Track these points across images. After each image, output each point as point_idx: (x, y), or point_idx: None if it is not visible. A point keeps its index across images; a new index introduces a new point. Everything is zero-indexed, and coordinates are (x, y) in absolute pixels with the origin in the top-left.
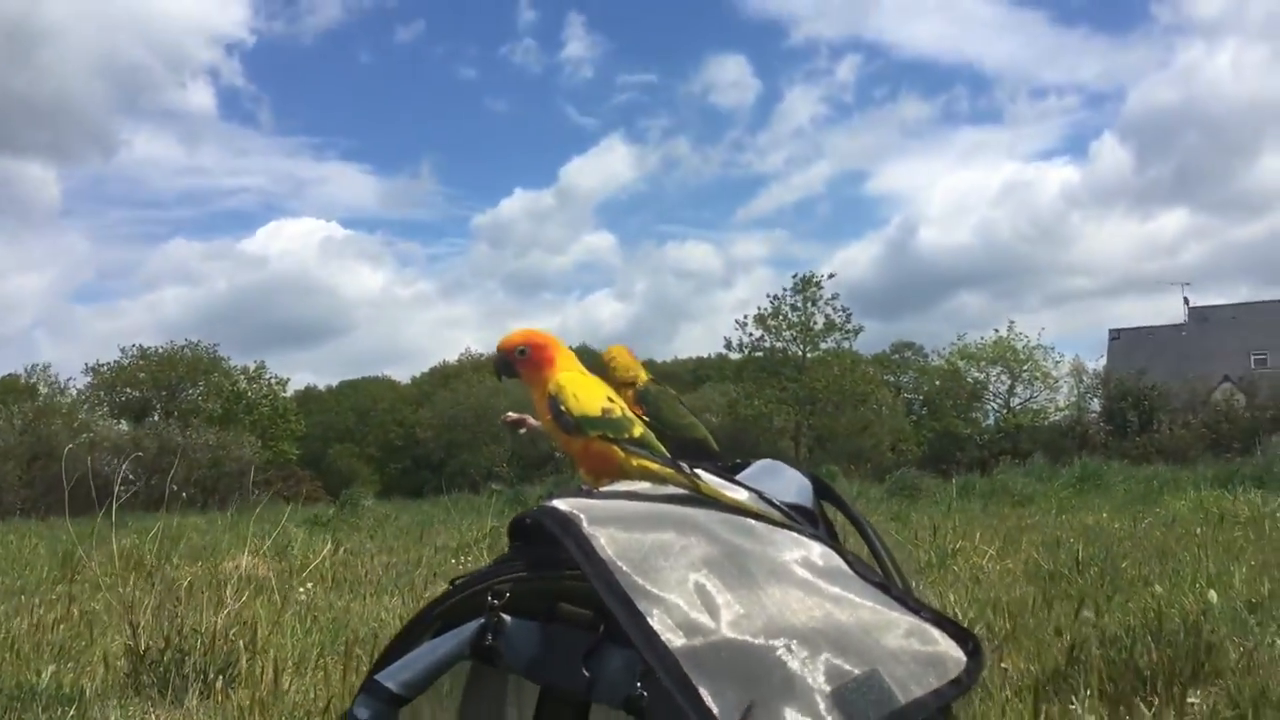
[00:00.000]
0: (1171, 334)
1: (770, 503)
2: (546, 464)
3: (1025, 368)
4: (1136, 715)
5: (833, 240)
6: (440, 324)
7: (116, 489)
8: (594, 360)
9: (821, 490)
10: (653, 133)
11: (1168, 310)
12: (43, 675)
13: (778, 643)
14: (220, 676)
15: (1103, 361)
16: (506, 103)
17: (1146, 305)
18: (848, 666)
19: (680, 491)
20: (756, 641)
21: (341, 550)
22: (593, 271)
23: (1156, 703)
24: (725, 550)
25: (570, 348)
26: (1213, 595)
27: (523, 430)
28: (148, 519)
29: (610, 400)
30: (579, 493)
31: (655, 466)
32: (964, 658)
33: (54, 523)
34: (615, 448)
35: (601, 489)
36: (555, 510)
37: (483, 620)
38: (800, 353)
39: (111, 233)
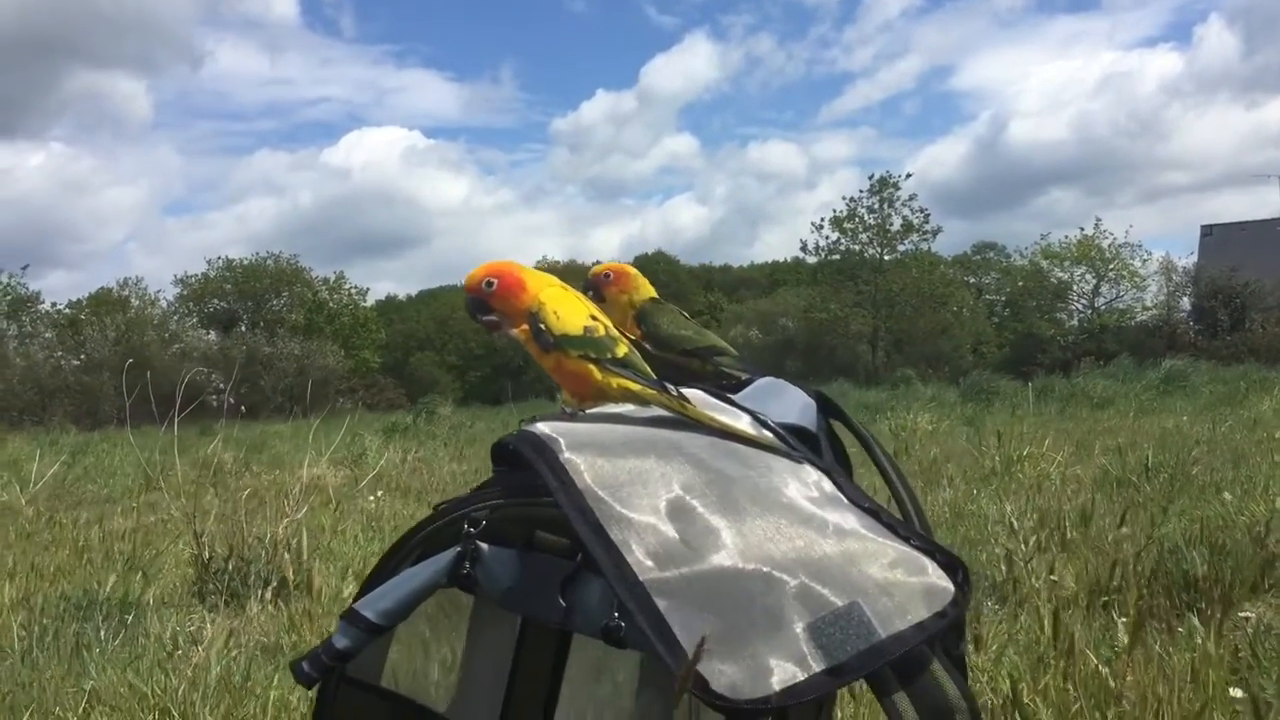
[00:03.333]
0: (1266, 229)
1: (765, 425)
2: None
3: (1112, 266)
4: (1186, 627)
5: (919, 138)
6: (521, 231)
7: (218, 397)
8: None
9: (828, 409)
10: (735, 30)
11: (1267, 205)
12: (104, 584)
13: (756, 574)
14: (280, 584)
15: (1194, 258)
16: (585, 2)
17: (1245, 200)
18: (828, 598)
19: (669, 414)
20: (734, 572)
21: (412, 458)
22: (674, 175)
23: (1205, 615)
24: (708, 477)
25: (647, 254)
26: None
27: (498, 334)
28: (240, 427)
29: (593, 319)
30: (563, 415)
31: (637, 387)
32: (952, 588)
33: (148, 432)
34: (593, 367)
35: (588, 411)
36: (533, 435)
37: (459, 548)
38: (877, 255)
39: (200, 145)
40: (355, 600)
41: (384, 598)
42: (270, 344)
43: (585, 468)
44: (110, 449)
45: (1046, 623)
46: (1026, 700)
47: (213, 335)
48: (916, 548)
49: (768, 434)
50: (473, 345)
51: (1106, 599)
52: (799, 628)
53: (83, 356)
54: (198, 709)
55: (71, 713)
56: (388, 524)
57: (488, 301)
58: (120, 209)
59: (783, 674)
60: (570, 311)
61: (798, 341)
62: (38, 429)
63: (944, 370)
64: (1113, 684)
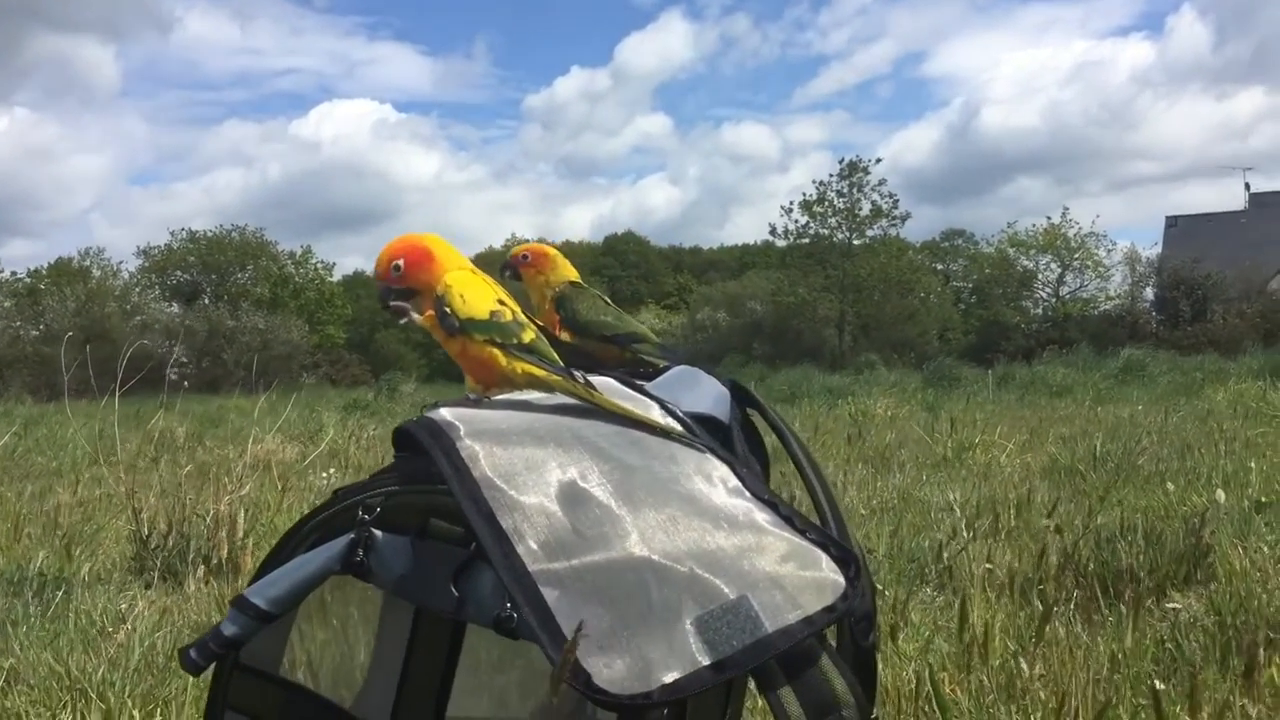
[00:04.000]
0: (1230, 221)
1: (674, 415)
2: None
3: (1077, 256)
4: (1113, 617)
5: (892, 123)
6: (492, 208)
7: (168, 372)
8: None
9: (742, 398)
10: (711, 9)
11: (1231, 197)
12: (35, 560)
13: (647, 564)
14: (218, 562)
15: (1158, 249)
16: None
17: (1210, 191)
18: (718, 591)
19: (574, 402)
20: (625, 563)
21: (369, 435)
22: (646, 155)
23: (1131, 605)
24: (607, 466)
25: (617, 234)
26: (1220, 495)
27: (404, 320)
28: (198, 401)
29: (501, 303)
30: (466, 401)
31: (542, 374)
32: (843, 582)
33: (106, 404)
34: (498, 352)
35: (492, 398)
36: (432, 421)
37: (353, 535)
38: (846, 240)
39: (168, 114)
40: (248, 586)
41: (275, 584)
42: (234, 318)
43: (483, 455)
44: (63, 421)
45: (972, 612)
46: (946, 691)
47: (175, 308)
48: (812, 541)
49: (674, 423)
50: None
51: (1041, 588)
52: (688, 621)
53: (42, 327)
54: (118, 689)
55: None
56: None
57: (394, 285)
58: (85, 178)
59: (668, 669)
60: (476, 295)
61: (765, 325)
62: None
63: (909, 356)
64: (1026, 673)
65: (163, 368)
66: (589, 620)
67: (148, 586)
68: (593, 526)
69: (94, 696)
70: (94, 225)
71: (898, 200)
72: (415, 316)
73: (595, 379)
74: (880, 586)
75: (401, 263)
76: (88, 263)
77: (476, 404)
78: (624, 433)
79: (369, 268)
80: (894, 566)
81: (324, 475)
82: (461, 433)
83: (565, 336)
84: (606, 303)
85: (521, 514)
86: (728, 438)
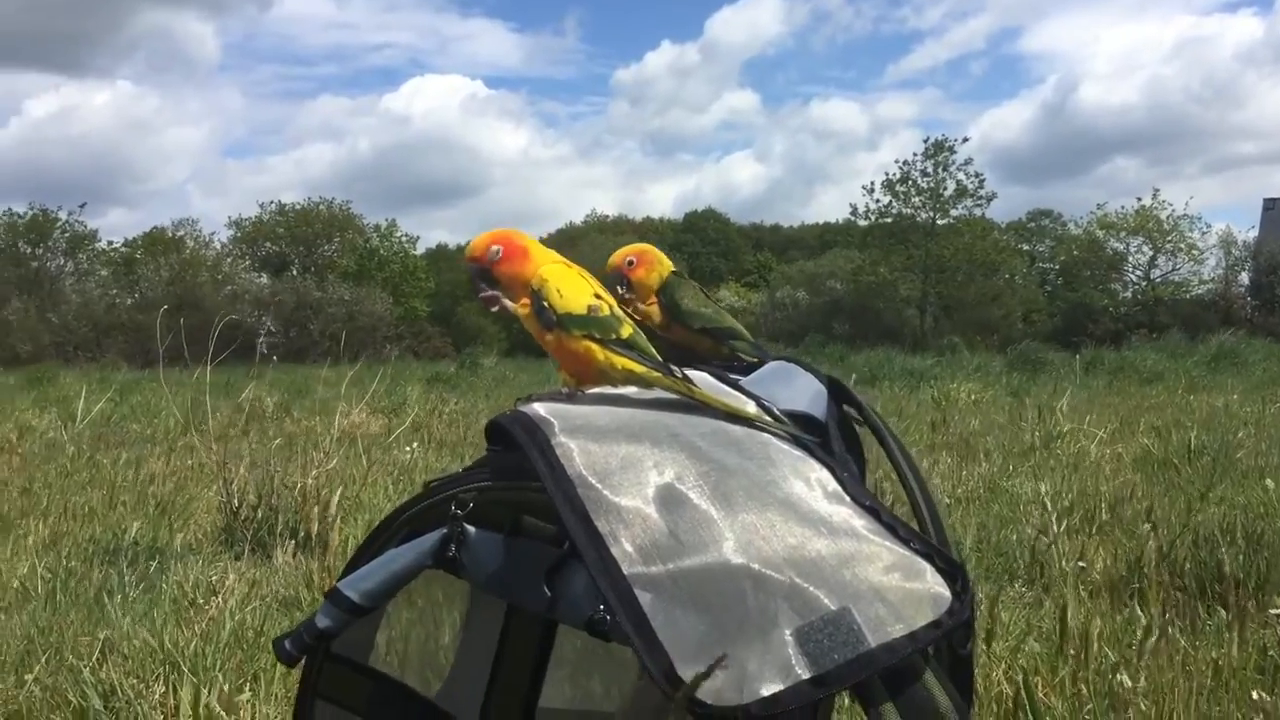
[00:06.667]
0: None
1: (769, 412)
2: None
3: (1169, 238)
4: (1213, 621)
5: (985, 101)
6: (576, 184)
7: (260, 344)
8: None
9: (841, 396)
10: None
11: None
12: (129, 529)
13: (745, 572)
14: (306, 536)
15: (1255, 233)
16: None
17: None
18: (819, 601)
19: (670, 398)
20: (723, 570)
21: (450, 409)
22: (733, 131)
23: (1233, 611)
24: (704, 467)
25: (697, 211)
26: None
27: (495, 309)
28: (286, 371)
29: (597, 297)
30: (560, 395)
31: (641, 369)
32: (950, 596)
33: (198, 374)
34: (595, 347)
35: (586, 392)
36: (526, 415)
37: (445, 530)
38: (930, 219)
39: (263, 88)
40: (340, 578)
41: (367, 578)
42: (320, 289)
43: (577, 453)
44: (157, 389)
45: (1070, 612)
46: (1040, 695)
47: (264, 278)
48: (916, 551)
49: (772, 421)
50: None
51: (1137, 587)
52: (787, 632)
53: (137, 295)
54: (209, 662)
55: (85, 662)
56: (419, 476)
57: (491, 270)
58: (182, 149)
59: (766, 681)
60: (573, 290)
61: (845, 304)
62: (91, 365)
63: (992, 338)
64: (1128, 683)
65: (252, 338)
66: (684, 627)
67: (237, 558)
68: (689, 531)
69: (186, 670)
70: (190, 196)
71: (984, 180)
72: (509, 305)
73: (692, 373)
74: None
75: (500, 249)
76: (180, 233)
77: (570, 398)
78: (721, 431)
79: (453, 241)
80: (981, 561)
81: (407, 450)
82: (556, 429)
83: (662, 330)
84: (706, 295)
85: (617, 515)
86: (825, 437)
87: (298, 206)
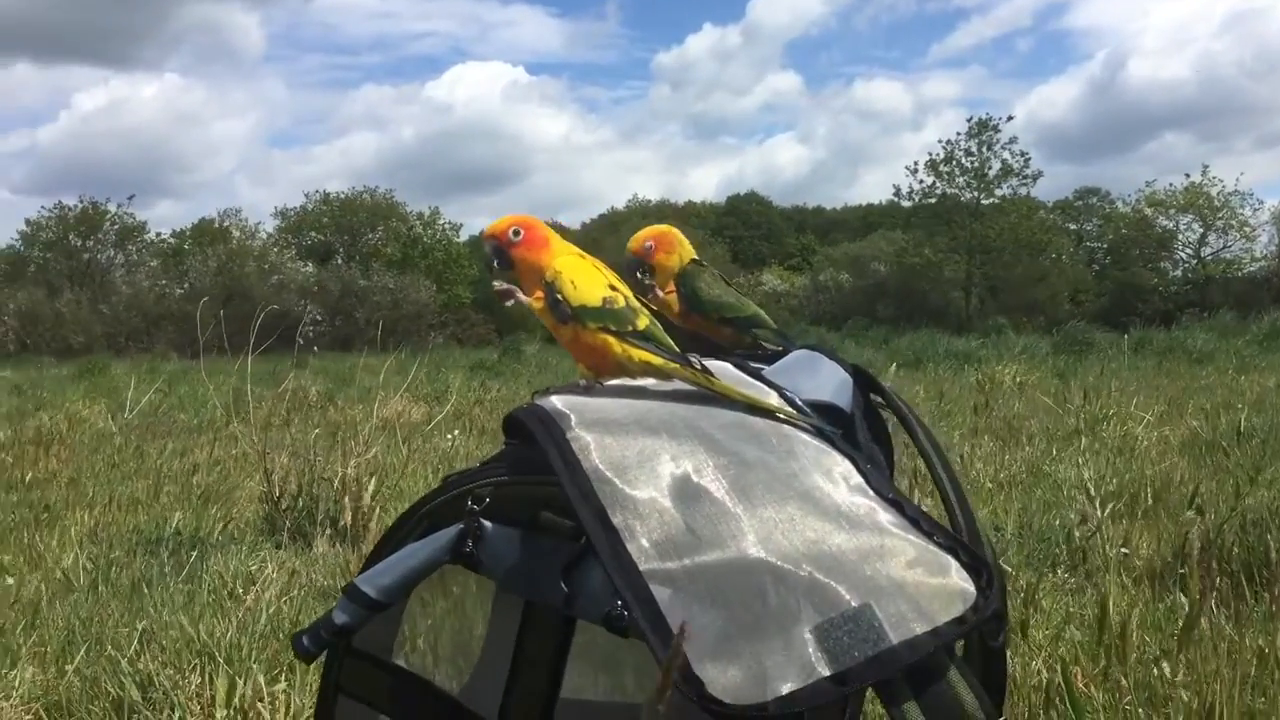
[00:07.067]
0: None
1: (792, 403)
2: None
3: (1220, 215)
4: (1259, 609)
5: (1031, 78)
6: (619, 169)
7: (299, 331)
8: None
9: (866, 384)
10: None
11: None
12: (172, 519)
13: (764, 567)
14: (345, 525)
15: None
16: None
17: None
18: (839, 597)
19: (689, 389)
20: (741, 565)
21: (492, 396)
22: (776, 113)
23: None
24: (723, 460)
25: (740, 194)
26: None
27: (510, 303)
28: (331, 359)
29: (612, 289)
30: (577, 388)
31: (659, 361)
32: (974, 592)
33: (242, 363)
34: (611, 339)
35: (604, 384)
36: (542, 409)
37: (462, 525)
38: (974, 200)
39: (307, 78)
40: (361, 572)
41: (385, 573)
42: (365, 277)
43: (594, 447)
44: (205, 378)
45: (1112, 600)
46: (1079, 685)
47: (310, 267)
48: (940, 545)
49: (794, 413)
50: None
51: (1182, 573)
52: (807, 629)
53: (186, 285)
54: (244, 653)
55: (123, 653)
56: (460, 464)
57: (509, 252)
58: (229, 140)
59: (785, 679)
60: (588, 281)
61: (889, 286)
62: (141, 355)
63: (1039, 319)
64: (1168, 674)
65: (297, 326)
66: (702, 624)
67: (278, 548)
68: (707, 525)
69: (221, 661)
70: (237, 187)
71: (1029, 158)
72: (523, 298)
73: (711, 364)
74: (1009, 569)
75: (521, 231)
76: (227, 223)
77: (588, 391)
78: (740, 424)
79: None
80: (1023, 547)
81: (449, 437)
82: (572, 422)
83: (680, 320)
84: (727, 283)
85: (633, 510)
86: (850, 428)
87: (342, 196)
